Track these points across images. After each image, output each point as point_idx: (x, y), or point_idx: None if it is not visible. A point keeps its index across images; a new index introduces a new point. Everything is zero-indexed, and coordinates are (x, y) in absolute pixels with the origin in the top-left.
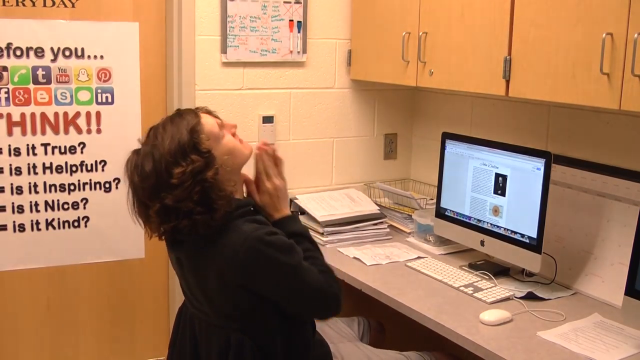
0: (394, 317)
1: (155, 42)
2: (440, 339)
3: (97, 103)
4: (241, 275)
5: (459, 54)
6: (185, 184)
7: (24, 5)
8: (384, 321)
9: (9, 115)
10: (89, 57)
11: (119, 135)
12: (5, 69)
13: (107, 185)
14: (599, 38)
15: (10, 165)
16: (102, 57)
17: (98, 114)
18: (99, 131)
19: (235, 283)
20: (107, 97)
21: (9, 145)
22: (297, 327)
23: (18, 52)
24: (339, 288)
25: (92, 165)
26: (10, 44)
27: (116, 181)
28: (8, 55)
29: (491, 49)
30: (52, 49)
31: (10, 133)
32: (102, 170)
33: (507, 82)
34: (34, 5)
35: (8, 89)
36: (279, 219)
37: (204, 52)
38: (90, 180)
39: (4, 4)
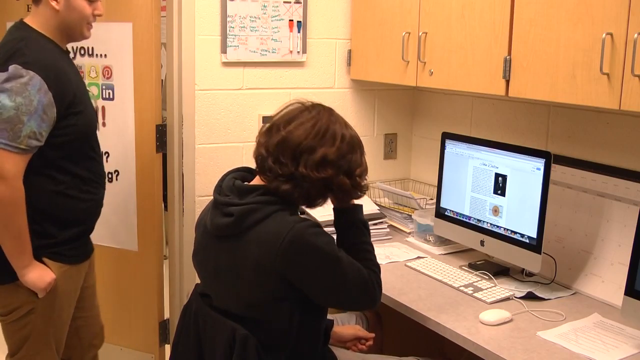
0: (394, 317)
1: (149, 42)
2: (439, 339)
3: (102, 98)
4: (281, 262)
5: (459, 54)
6: None
7: None
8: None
9: None
10: (97, 55)
11: (118, 129)
12: None
13: (109, 176)
14: (599, 38)
15: None
16: (105, 55)
17: (103, 108)
18: (104, 124)
19: (274, 269)
20: (109, 93)
21: None
22: (309, 334)
23: None
24: (378, 288)
25: None
26: None
27: (116, 173)
28: None
29: (491, 49)
30: (72, 47)
31: None
32: (106, 161)
33: (507, 82)
34: None
35: None
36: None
37: (204, 52)
38: None
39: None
